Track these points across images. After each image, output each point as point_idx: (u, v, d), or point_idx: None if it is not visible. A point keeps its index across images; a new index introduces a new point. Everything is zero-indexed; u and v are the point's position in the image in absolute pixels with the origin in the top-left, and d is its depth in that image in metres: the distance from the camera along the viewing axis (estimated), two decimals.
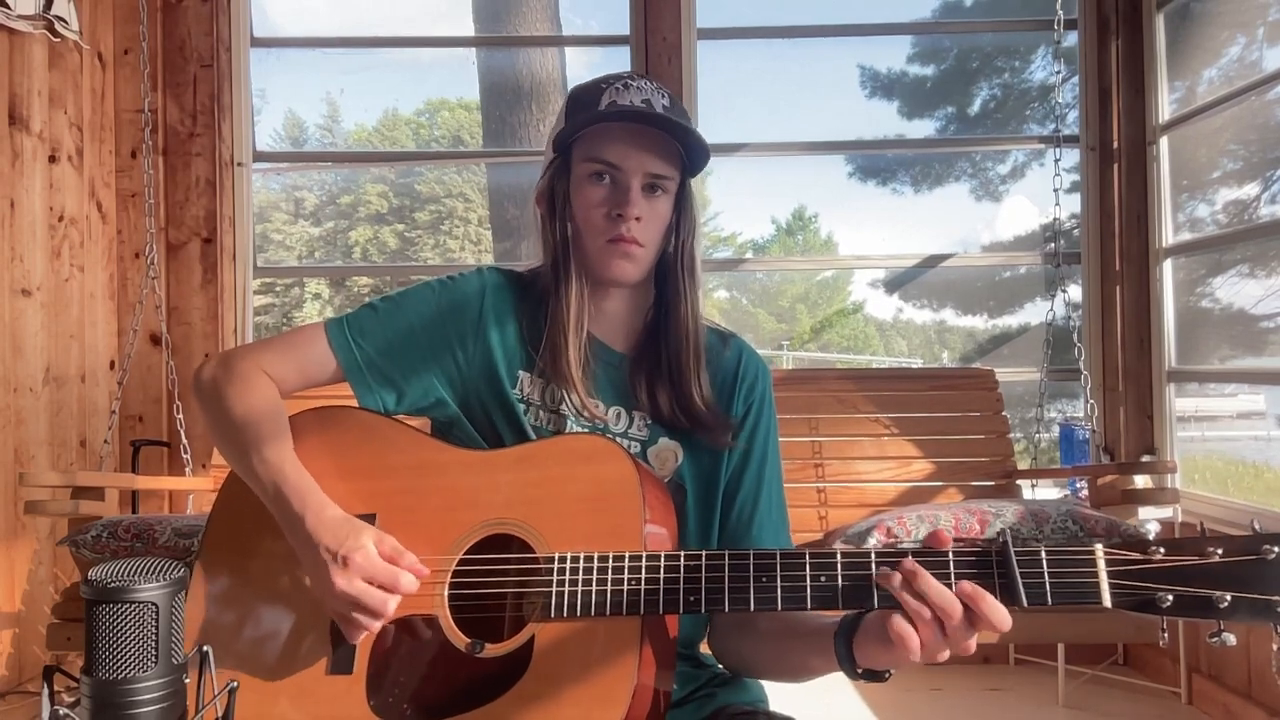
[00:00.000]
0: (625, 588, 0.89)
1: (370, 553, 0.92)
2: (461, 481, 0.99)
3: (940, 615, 0.80)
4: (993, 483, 2.67)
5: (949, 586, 0.81)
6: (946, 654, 0.81)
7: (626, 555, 0.90)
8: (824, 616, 0.95)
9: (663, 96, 1.06)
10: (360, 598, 0.90)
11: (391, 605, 0.92)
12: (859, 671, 0.88)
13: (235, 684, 0.78)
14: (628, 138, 1.04)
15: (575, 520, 0.94)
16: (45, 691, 0.73)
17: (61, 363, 2.86)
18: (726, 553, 0.89)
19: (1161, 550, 0.80)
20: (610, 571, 0.90)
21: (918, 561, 0.82)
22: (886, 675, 0.88)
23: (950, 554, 0.83)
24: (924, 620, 0.80)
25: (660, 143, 1.05)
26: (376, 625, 0.93)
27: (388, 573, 0.92)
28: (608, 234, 1.05)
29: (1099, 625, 2.07)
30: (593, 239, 1.07)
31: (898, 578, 0.82)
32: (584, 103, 1.06)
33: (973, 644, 0.82)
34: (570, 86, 1.26)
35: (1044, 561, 0.81)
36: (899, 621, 0.81)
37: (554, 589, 0.90)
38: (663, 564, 0.89)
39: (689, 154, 1.08)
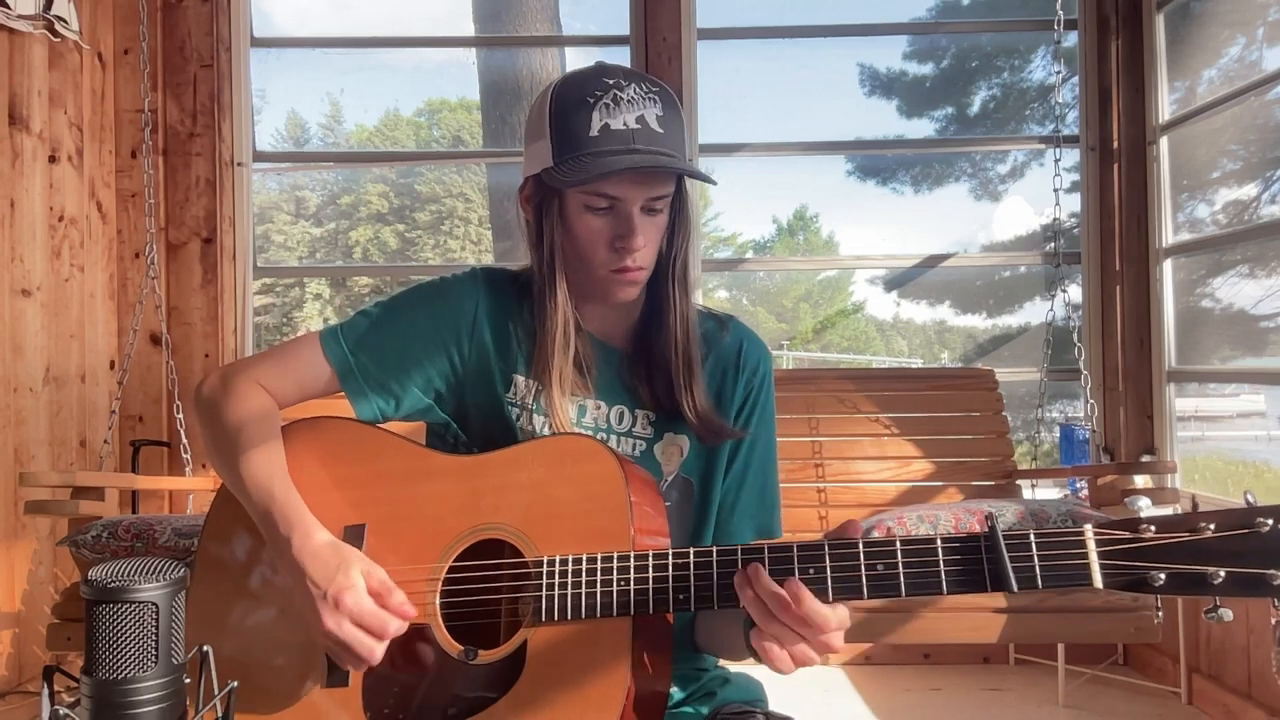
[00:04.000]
0: (615, 589, 0.89)
1: (359, 592, 0.90)
2: (449, 488, 0.99)
3: (772, 608, 0.82)
4: (993, 483, 2.67)
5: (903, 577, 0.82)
6: (813, 655, 0.83)
7: (615, 556, 0.90)
8: None
9: (655, 104, 0.99)
10: (349, 643, 0.90)
11: (379, 651, 0.90)
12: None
13: (235, 684, 0.78)
14: (626, 171, 0.97)
15: (562, 522, 0.93)
16: (45, 691, 0.73)
17: (61, 363, 2.86)
18: (714, 550, 0.88)
19: (1153, 528, 0.79)
20: (599, 573, 0.90)
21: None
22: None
23: (939, 541, 0.83)
24: (765, 617, 0.83)
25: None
26: (363, 667, 0.92)
27: (377, 619, 0.90)
28: (611, 265, 1.02)
29: (1099, 625, 2.06)
30: (596, 268, 1.03)
31: (740, 578, 0.84)
32: (574, 125, 0.98)
33: (832, 640, 0.83)
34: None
35: (1033, 545, 0.80)
36: (756, 637, 0.84)
37: (543, 593, 0.90)
38: (651, 564, 0.89)
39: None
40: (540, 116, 1.02)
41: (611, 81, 0.99)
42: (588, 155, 0.97)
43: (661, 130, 0.99)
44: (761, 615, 0.83)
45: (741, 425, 1.11)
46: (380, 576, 0.93)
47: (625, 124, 0.98)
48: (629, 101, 0.98)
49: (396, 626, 0.91)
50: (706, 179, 1.04)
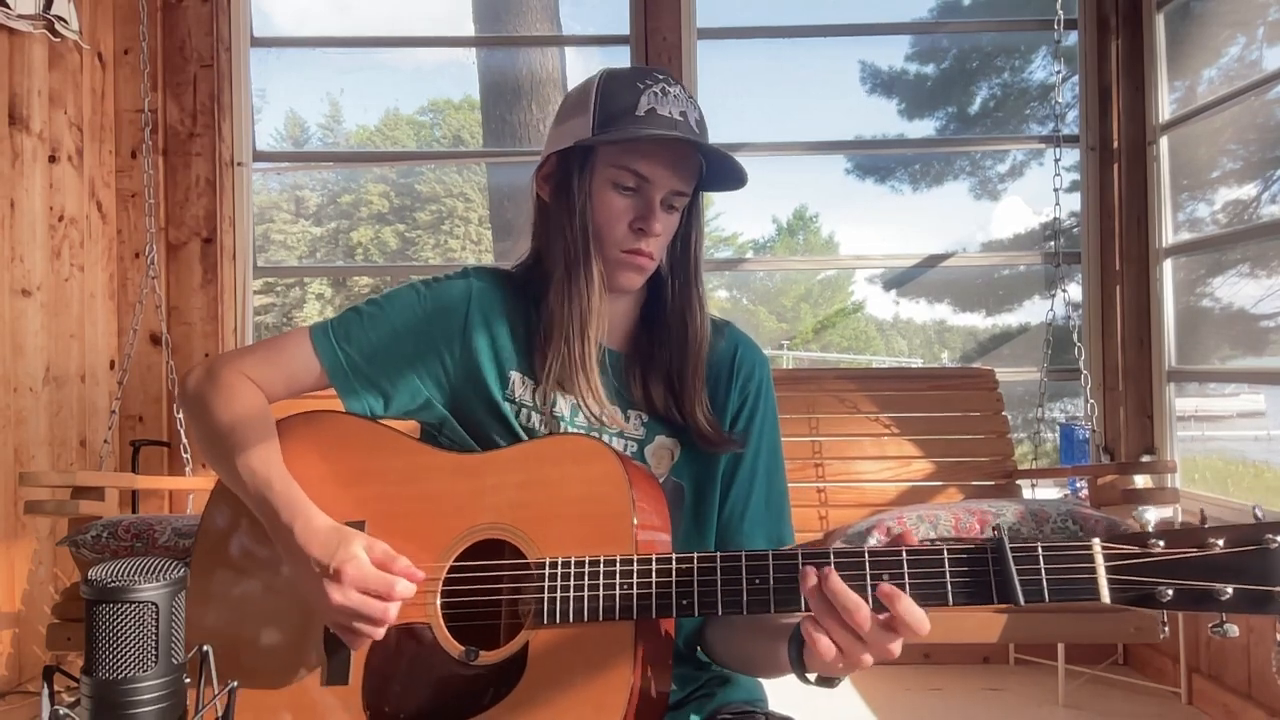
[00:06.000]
0: (617, 592, 0.89)
1: (362, 561, 0.91)
2: (450, 486, 0.98)
3: (845, 617, 0.79)
4: (993, 483, 2.67)
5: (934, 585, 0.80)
6: (869, 658, 0.80)
7: (618, 559, 0.90)
8: (789, 616, 0.94)
9: (695, 109, 1.05)
10: (359, 609, 0.90)
11: (392, 612, 0.91)
12: (810, 678, 0.87)
13: (235, 684, 0.78)
14: (662, 153, 1.03)
15: (565, 523, 0.93)
16: (45, 691, 0.73)
17: (61, 363, 2.86)
18: (718, 555, 0.88)
19: (1161, 543, 0.78)
20: (601, 576, 0.89)
21: (914, 554, 0.82)
22: (836, 682, 0.86)
23: (945, 552, 0.82)
24: (832, 623, 0.80)
25: (688, 160, 1.04)
26: (379, 633, 0.92)
27: (382, 581, 0.90)
28: (626, 245, 1.04)
29: (1099, 625, 2.06)
30: (609, 247, 1.05)
31: (811, 580, 0.81)
32: (621, 101, 1.02)
33: (895, 648, 0.80)
34: (570, 86, 1.20)
35: (1041, 558, 0.80)
36: (808, 625, 0.80)
37: (545, 595, 0.90)
38: (654, 567, 0.89)
39: (723, 175, 1.07)
40: (583, 95, 1.06)
41: (661, 77, 1.05)
42: (632, 125, 1.01)
43: (699, 132, 1.05)
44: (830, 619, 0.80)
45: (737, 432, 1.11)
46: (383, 548, 0.93)
47: (670, 113, 1.03)
48: (675, 98, 1.04)
49: (403, 588, 0.91)
50: (741, 174, 1.06)
